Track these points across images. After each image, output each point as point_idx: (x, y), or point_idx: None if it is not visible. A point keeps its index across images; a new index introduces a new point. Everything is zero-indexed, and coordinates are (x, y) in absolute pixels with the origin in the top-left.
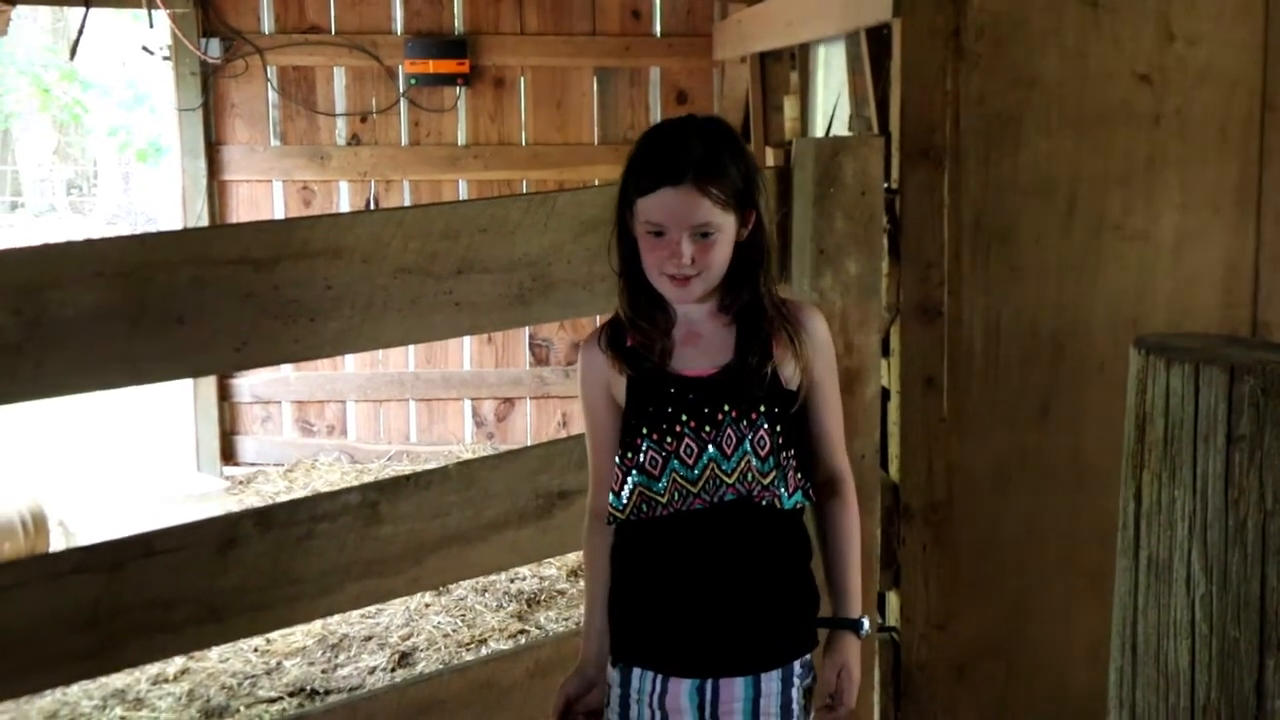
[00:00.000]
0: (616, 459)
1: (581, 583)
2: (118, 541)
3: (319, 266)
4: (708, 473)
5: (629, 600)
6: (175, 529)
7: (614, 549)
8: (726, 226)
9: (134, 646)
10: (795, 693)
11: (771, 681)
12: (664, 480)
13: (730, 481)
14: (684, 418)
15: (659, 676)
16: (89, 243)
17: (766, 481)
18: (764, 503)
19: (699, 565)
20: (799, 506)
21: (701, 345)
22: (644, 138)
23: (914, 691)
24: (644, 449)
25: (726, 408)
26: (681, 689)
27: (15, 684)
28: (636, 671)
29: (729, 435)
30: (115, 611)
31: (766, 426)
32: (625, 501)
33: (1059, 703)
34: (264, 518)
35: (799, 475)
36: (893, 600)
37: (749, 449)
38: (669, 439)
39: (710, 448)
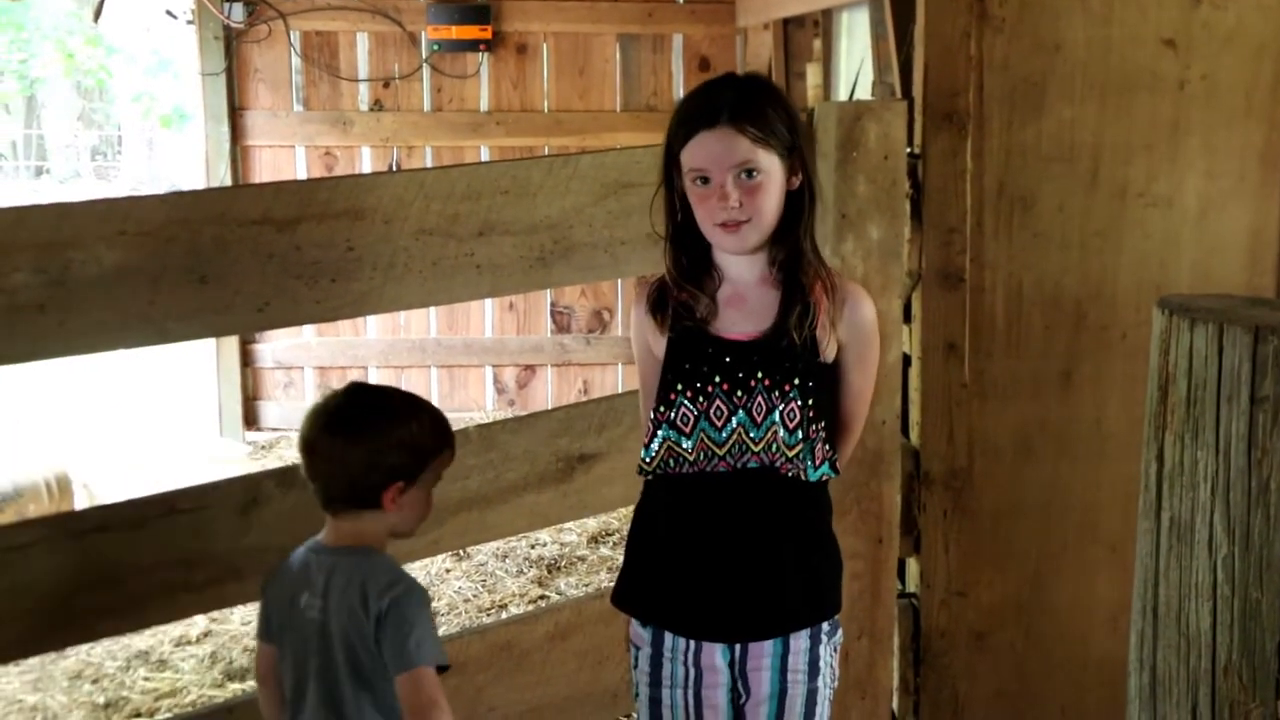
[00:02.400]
0: (651, 412)
1: (603, 549)
2: (139, 500)
3: (341, 227)
4: (734, 437)
5: (655, 559)
6: (196, 488)
7: (640, 503)
8: (771, 169)
9: (156, 605)
10: (824, 649)
11: (800, 639)
12: (693, 438)
13: (756, 450)
14: (717, 379)
15: (691, 639)
16: (111, 201)
17: (792, 454)
18: (789, 474)
19: (720, 528)
20: (825, 479)
21: (745, 309)
22: (684, 95)
23: (933, 657)
24: (678, 405)
25: (760, 375)
26: (716, 649)
27: (40, 641)
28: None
29: (759, 403)
30: (137, 570)
31: (798, 400)
32: (653, 454)
33: (1079, 670)
34: (285, 478)
35: (827, 447)
36: (913, 566)
37: (778, 420)
38: (700, 398)
39: (740, 412)
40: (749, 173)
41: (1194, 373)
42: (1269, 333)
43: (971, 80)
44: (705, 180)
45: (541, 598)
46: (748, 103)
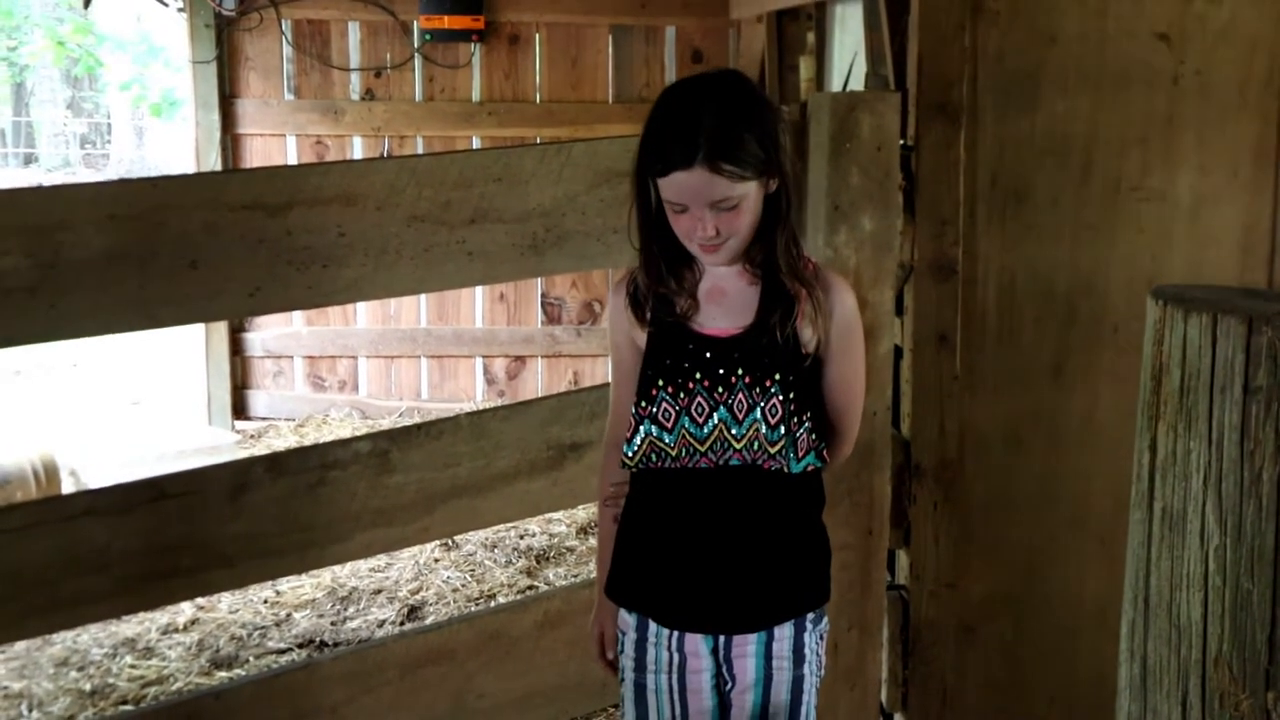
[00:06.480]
0: (632, 406)
1: (592, 540)
2: (128, 485)
3: (332, 213)
4: (715, 434)
5: (640, 551)
6: (185, 473)
7: (629, 494)
8: (749, 192)
9: (145, 590)
10: (808, 638)
11: (784, 629)
12: (674, 434)
13: (738, 447)
14: (698, 375)
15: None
16: (101, 185)
17: (774, 450)
18: (771, 469)
19: (704, 523)
20: (809, 469)
21: (725, 304)
22: (655, 109)
23: (922, 649)
24: (659, 400)
25: (740, 372)
26: (699, 637)
27: (27, 624)
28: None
29: (740, 400)
30: (126, 555)
31: (780, 395)
32: (635, 449)
33: (1068, 662)
34: (275, 464)
35: (813, 437)
36: (902, 558)
37: (759, 417)
38: (681, 395)
39: (721, 409)
40: (726, 206)
41: (1187, 363)
42: (1263, 323)
43: (965, 72)
44: (682, 209)
45: (530, 588)
46: (725, 136)
